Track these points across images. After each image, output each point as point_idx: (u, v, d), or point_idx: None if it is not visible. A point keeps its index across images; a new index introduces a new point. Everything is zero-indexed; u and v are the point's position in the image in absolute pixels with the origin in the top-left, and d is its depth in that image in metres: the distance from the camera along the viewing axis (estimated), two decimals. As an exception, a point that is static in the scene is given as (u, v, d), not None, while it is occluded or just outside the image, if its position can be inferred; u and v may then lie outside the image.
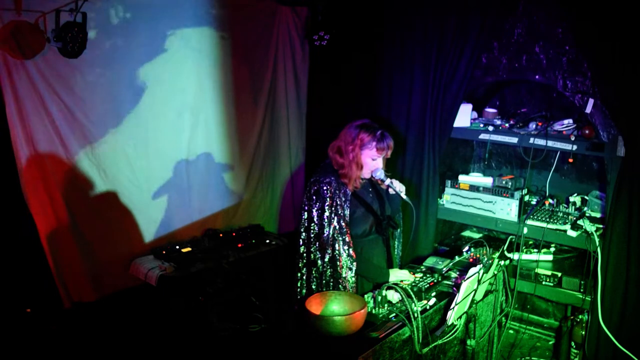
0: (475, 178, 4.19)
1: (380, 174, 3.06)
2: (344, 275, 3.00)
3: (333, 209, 3.00)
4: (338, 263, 3.00)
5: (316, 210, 3.02)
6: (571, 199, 4.00)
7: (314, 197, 3.03)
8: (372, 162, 3.05)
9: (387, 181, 3.07)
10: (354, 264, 3.00)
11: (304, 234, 3.10)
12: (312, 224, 3.04)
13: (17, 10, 3.37)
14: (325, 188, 3.01)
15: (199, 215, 4.67)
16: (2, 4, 3.34)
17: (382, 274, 3.13)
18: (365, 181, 3.16)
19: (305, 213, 3.08)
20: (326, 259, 3.03)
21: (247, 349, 3.76)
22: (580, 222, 3.65)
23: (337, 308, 2.72)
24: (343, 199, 3.03)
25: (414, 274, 3.21)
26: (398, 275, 3.15)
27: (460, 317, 2.94)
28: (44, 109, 3.67)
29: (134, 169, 4.21)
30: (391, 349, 2.65)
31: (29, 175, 3.67)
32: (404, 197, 3.06)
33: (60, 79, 3.71)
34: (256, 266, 4.47)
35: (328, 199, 3.00)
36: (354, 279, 3.02)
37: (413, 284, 3.02)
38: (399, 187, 3.07)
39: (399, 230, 3.44)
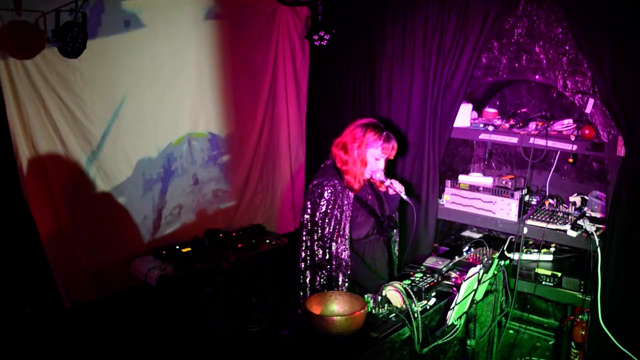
0: (475, 178, 4.19)
1: (380, 176, 3.07)
2: (340, 279, 3.00)
3: (336, 212, 3.00)
4: (334, 267, 3.00)
5: (319, 213, 3.01)
6: (571, 199, 3.99)
7: (318, 200, 3.02)
8: (374, 161, 3.06)
9: (387, 182, 3.07)
10: (349, 269, 3.00)
11: (306, 236, 3.09)
12: (316, 227, 3.03)
13: (17, 10, 3.37)
14: (329, 191, 3.01)
15: (199, 215, 4.67)
16: (2, 4, 3.34)
17: (377, 283, 3.08)
18: (364, 183, 3.16)
19: (308, 216, 3.07)
20: (327, 261, 3.02)
21: (247, 349, 3.76)
22: (580, 222, 3.65)
23: (337, 308, 2.71)
24: (345, 202, 3.03)
25: (413, 273, 3.19)
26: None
27: (460, 317, 2.94)
28: (44, 109, 3.68)
29: (134, 169, 4.21)
30: (391, 349, 2.65)
31: (29, 175, 3.67)
32: (404, 197, 3.06)
33: (60, 79, 3.71)
34: (256, 266, 4.47)
35: (331, 201, 3.00)
36: (347, 283, 3.02)
37: (413, 284, 3.02)
38: (399, 188, 3.07)
39: (395, 230, 3.44)
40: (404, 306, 2.78)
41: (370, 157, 3.04)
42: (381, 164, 3.09)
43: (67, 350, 3.70)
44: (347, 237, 3.01)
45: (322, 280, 3.05)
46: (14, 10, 3.36)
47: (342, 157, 3.07)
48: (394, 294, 2.83)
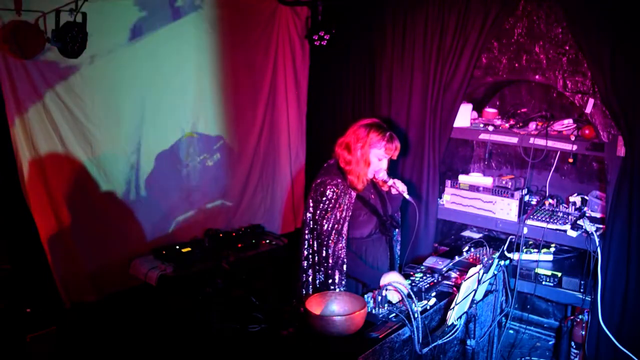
0: (475, 178, 4.19)
1: (383, 175, 3.08)
2: (332, 277, 3.01)
3: (337, 211, 3.01)
4: (331, 264, 3.00)
5: (320, 211, 3.02)
6: (571, 199, 3.99)
7: (320, 198, 3.03)
8: (377, 162, 3.08)
9: (390, 181, 3.08)
10: (344, 267, 3.01)
11: (308, 234, 3.10)
12: (317, 225, 3.04)
13: (17, 10, 3.37)
14: (332, 189, 3.01)
15: (199, 215, 4.68)
16: (2, 4, 3.34)
17: (375, 276, 3.10)
18: (367, 182, 3.17)
19: (310, 214, 3.08)
20: (325, 258, 3.03)
21: (247, 349, 3.76)
22: (580, 222, 3.65)
23: (337, 308, 2.71)
24: (347, 201, 3.03)
25: (413, 273, 3.20)
26: (389, 279, 3.07)
27: (460, 317, 2.94)
28: (44, 109, 3.68)
29: (134, 169, 4.21)
30: (391, 349, 2.65)
31: (29, 176, 3.67)
32: (407, 196, 3.06)
33: (60, 79, 3.71)
34: (256, 266, 4.47)
35: (333, 200, 3.00)
36: (344, 281, 3.03)
37: (413, 284, 3.02)
38: (401, 187, 3.08)
39: (397, 230, 3.45)
40: (402, 306, 2.79)
41: (373, 157, 3.05)
42: (384, 164, 3.10)
43: (67, 350, 3.70)
44: (345, 235, 3.01)
45: (321, 278, 3.06)
46: (14, 10, 3.36)
47: (345, 157, 3.07)
48: (393, 292, 2.84)
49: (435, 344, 2.78)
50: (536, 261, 3.81)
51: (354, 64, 4.68)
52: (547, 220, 3.77)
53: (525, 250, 3.87)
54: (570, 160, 3.84)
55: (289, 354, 2.66)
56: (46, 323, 3.74)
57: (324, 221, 3.01)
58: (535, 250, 3.88)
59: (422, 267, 3.34)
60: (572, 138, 3.67)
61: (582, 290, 3.57)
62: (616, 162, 3.43)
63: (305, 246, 3.11)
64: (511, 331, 4.27)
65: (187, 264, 4.14)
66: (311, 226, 3.08)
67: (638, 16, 3.17)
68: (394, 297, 2.85)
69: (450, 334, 2.90)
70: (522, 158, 4.18)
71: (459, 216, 4.24)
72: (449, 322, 2.84)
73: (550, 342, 4.20)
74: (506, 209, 3.97)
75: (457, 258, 3.48)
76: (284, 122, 5.16)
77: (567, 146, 3.68)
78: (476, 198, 4.10)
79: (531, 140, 3.79)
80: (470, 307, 3.01)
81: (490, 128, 4.01)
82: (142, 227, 4.31)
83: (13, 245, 3.71)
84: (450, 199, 4.23)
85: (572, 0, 3.44)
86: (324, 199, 3.01)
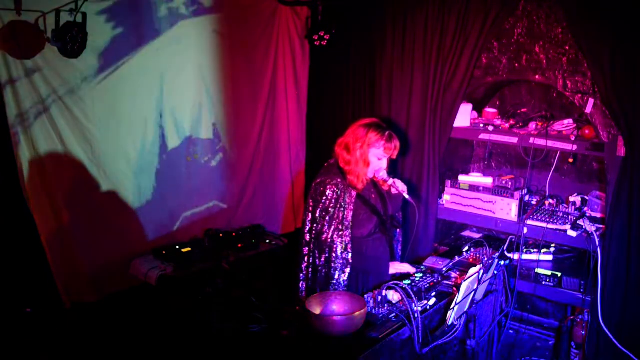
0: (475, 178, 4.19)
1: (383, 174, 3.08)
2: (336, 277, 3.01)
3: (336, 210, 3.01)
4: (333, 265, 3.01)
5: (320, 211, 3.03)
6: (571, 199, 3.99)
7: (319, 198, 3.03)
8: (377, 161, 3.08)
9: (390, 181, 3.08)
10: (348, 267, 3.01)
11: (307, 235, 3.10)
12: (317, 225, 3.05)
13: (17, 10, 3.37)
14: (332, 189, 3.02)
15: (199, 215, 4.67)
16: (2, 4, 3.34)
17: (381, 266, 3.14)
18: (367, 182, 3.17)
19: (310, 214, 3.08)
20: (327, 260, 3.03)
21: (247, 349, 3.75)
22: (580, 222, 3.65)
23: (337, 308, 2.72)
24: (347, 201, 3.03)
25: (413, 273, 3.21)
26: (397, 267, 3.18)
27: (460, 317, 2.94)
28: (44, 109, 3.68)
29: (134, 169, 4.21)
30: (391, 349, 2.65)
31: (29, 176, 3.67)
32: (407, 196, 3.06)
33: (60, 79, 3.71)
34: (256, 266, 4.47)
35: (333, 200, 3.01)
36: (346, 282, 3.03)
37: (413, 284, 3.02)
38: (401, 187, 3.08)
39: (398, 230, 3.45)
40: (402, 306, 2.79)
41: (372, 157, 3.06)
42: (384, 164, 3.10)
43: (67, 350, 3.70)
44: (347, 235, 3.02)
45: (322, 277, 3.06)
46: (14, 10, 3.36)
47: (345, 157, 3.08)
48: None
49: (435, 344, 2.78)
50: (536, 261, 3.81)
51: (354, 64, 4.68)
52: (547, 220, 3.77)
53: (525, 250, 3.86)
54: (570, 160, 3.84)
55: (289, 354, 2.66)
56: (46, 323, 3.74)
57: (324, 221, 3.01)
58: (535, 250, 3.87)
59: (422, 267, 3.34)
60: (572, 138, 3.67)
61: (582, 290, 3.56)
62: (616, 162, 3.43)
63: (305, 245, 3.12)
64: (511, 331, 4.26)
65: (187, 264, 4.14)
66: (310, 226, 3.09)
67: (638, 16, 3.17)
68: (394, 297, 2.86)
69: (450, 334, 2.91)
70: (522, 158, 4.18)
71: (459, 216, 4.24)
72: (449, 322, 2.84)
73: (550, 342, 4.20)
74: (506, 209, 3.97)
75: (457, 258, 3.49)
76: (284, 122, 5.16)
77: (567, 146, 3.68)
78: (476, 198, 4.10)
79: (531, 140, 3.79)
80: (470, 307, 3.01)
81: (490, 128, 4.01)
82: (142, 227, 4.31)
83: (13, 245, 3.71)
84: (450, 199, 4.23)
85: (572, 0, 3.44)
86: (324, 198, 3.02)
